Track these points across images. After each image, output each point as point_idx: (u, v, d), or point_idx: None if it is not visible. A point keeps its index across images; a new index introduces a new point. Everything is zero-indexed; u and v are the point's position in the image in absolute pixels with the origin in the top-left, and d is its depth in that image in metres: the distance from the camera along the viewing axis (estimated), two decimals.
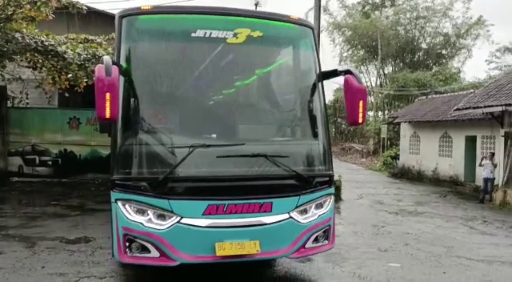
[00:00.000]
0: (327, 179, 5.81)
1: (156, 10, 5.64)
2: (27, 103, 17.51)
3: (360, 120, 5.51)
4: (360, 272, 6.58)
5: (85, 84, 14.92)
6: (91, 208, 12.29)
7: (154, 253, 5.15)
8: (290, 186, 5.54)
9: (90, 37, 15.22)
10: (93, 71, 13.74)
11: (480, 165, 16.09)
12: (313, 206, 5.65)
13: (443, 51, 47.41)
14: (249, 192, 5.33)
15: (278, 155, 5.44)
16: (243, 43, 5.65)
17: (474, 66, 77.10)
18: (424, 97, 27.89)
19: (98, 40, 15.15)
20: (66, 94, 15.79)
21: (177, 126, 5.63)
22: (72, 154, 17.14)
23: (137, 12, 5.58)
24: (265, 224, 5.34)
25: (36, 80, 15.62)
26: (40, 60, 14.22)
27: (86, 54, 13.72)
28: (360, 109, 5.46)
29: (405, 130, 24.39)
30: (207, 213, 5.18)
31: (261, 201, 5.33)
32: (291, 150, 5.70)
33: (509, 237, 9.98)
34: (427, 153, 22.31)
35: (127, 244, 5.16)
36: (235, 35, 5.60)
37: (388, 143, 31.96)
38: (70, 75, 14.86)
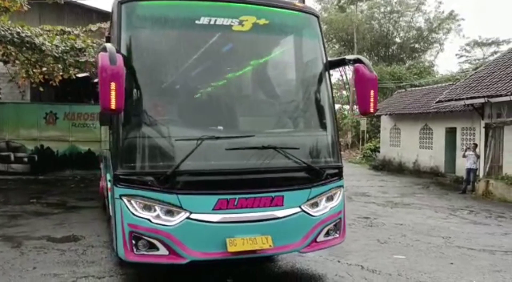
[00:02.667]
0: (337, 170, 5.65)
1: None
2: None
3: (372, 110, 5.36)
4: (367, 265, 6.46)
5: (60, 78, 14.44)
6: (73, 206, 11.92)
7: (163, 250, 4.88)
8: (301, 178, 5.35)
9: (67, 29, 14.63)
10: (70, 64, 13.46)
11: (464, 156, 16.29)
12: (324, 199, 5.47)
13: (416, 45, 48.19)
14: (260, 185, 5.12)
15: (288, 147, 5.24)
16: (249, 31, 5.40)
17: (446, 59, 78.78)
18: (403, 90, 28.20)
19: (76, 32, 14.57)
20: (41, 89, 15.20)
21: (183, 117, 5.34)
22: (49, 150, 16.60)
23: None
24: (277, 218, 5.14)
25: (9, 74, 14.99)
26: (13, 53, 13.61)
27: (64, 46, 13.17)
28: (372, 99, 5.31)
29: (386, 123, 24.56)
30: (217, 208, 4.94)
31: (273, 194, 5.13)
32: (301, 142, 5.49)
33: (501, 226, 10.08)
34: (408, 145, 22.52)
35: (134, 241, 4.87)
36: (240, 22, 5.36)
37: (367, 135, 32.23)
38: (44, 69, 14.35)
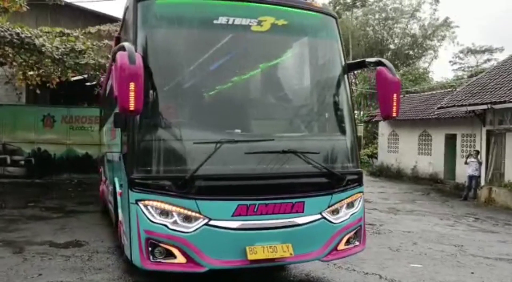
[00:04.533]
0: (357, 176, 5.50)
1: None
2: None
3: (394, 114, 5.21)
4: (385, 274, 6.27)
5: (58, 80, 14.20)
6: (72, 210, 11.69)
7: (180, 258, 4.69)
8: (322, 184, 5.20)
9: (66, 31, 14.41)
10: (69, 67, 13.24)
11: (466, 163, 16.22)
12: (345, 205, 5.32)
13: (411, 52, 48.30)
14: (280, 191, 4.96)
15: (308, 151, 5.09)
16: (268, 31, 5.27)
17: (440, 66, 79.25)
18: (401, 96, 28.15)
19: (75, 33, 14.36)
20: (38, 91, 14.97)
21: (200, 119, 5.14)
22: (46, 153, 16.36)
23: None
24: (298, 225, 4.98)
25: (6, 76, 14.72)
26: (11, 55, 13.36)
27: (64, 48, 12.96)
28: (394, 103, 5.16)
29: (384, 129, 24.50)
30: (236, 214, 4.76)
31: (293, 200, 4.96)
32: (321, 146, 5.34)
33: (511, 234, 9.95)
34: (406, 151, 22.45)
35: (150, 249, 4.68)
36: (259, 23, 5.22)
37: (364, 141, 32.17)
38: (42, 71, 14.11)
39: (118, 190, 6.26)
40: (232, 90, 5.43)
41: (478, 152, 16.21)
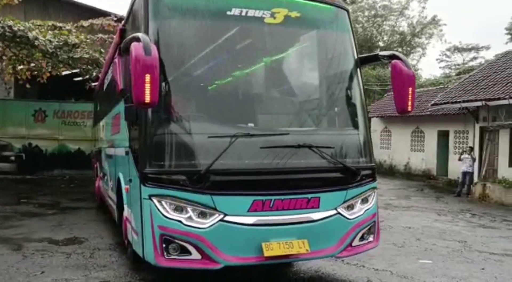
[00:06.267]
0: (371, 171, 5.42)
1: None
2: None
3: (410, 108, 5.15)
4: (396, 271, 6.21)
5: (48, 75, 13.94)
6: (67, 206, 11.53)
7: (195, 255, 4.57)
8: (337, 179, 5.11)
9: (58, 24, 14.13)
10: (62, 61, 12.97)
11: (460, 159, 16.30)
12: (359, 201, 5.23)
13: (400, 49, 48.49)
14: (296, 186, 4.86)
15: (324, 146, 4.99)
16: (281, 23, 5.16)
17: (428, 64, 79.87)
18: (391, 92, 28.26)
19: (68, 27, 14.09)
20: (28, 86, 14.67)
21: (214, 113, 5.01)
22: (37, 149, 16.07)
23: None
24: (313, 220, 4.89)
25: None
26: (0, 49, 13.06)
27: (58, 42, 12.71)
28: (410, 97, 5.10)
29: (376, 125, 24.53)
30: (252, 210, 4.65)
31: (309, 195, 4.86)
32: (336, 140, 5.25)
33: (511, 230, 10.00)
34: (399, 148, 22.54)
35: (164, 245, 4.55)
36: (272, 15, 5.11)
37: None
38: (33, 65, 13.84)
39: (123, 185, 6.11)
40: (246, 83, 5.33)
41: (472, 148, 16.31)
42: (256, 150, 4.74)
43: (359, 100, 5.56)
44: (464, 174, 16.00)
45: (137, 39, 4.31)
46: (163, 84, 4.66)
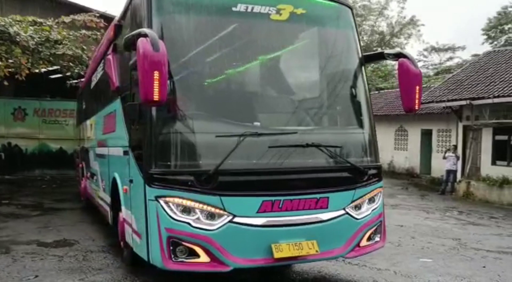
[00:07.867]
0: (377, 170, 5.37)
1: None
2: None
3: (417, 107, 5.09)
4: (399, 270, 6.17)
5: (27, 72, 13.51)
6: (51, 207, 11.24)
7: (204, 257, 4.42)
8: (345, 178, 5.03)
9: (39, 20, 13.70)
10: (44, 57, 12.58)
11: (444, 158, 16.48)
12: (367, 201, 5.16)
13: (379, 49, 48.98)
14: (305, 186, 4.76)
15: (332, 145, 4.92)
16: (287, 20, 5.07)
17: None
18: (376, 92, 28.41)
19: (49, 23, 13.68)
20: (6, 83, 14.19)
21: (221, 111, 4.85)
22: (17, 148, 15.59)
23: None
24: (322, 221, 4.79)
25: None
26: None
27: (39, 38, 12.32)
28: (417, 95, 5.04)
29: None
30: (261, 211, 4.53)
31: (318, 195, 4.77)
32: (343, 140, 5.17)
33: (500, 227, 10.12)
34: (383, 146, 22.41)
35: (172, 248, 4.38)
36: (278, 11, 5.01)
37: None
38: (11, 61, 13.39)
39: (121, 186, 5.91)
40: (252, 80, 5.20)
41: (455, 147, 16.51)
42: (265, 149, 4.62)
43: (364, 98, 5.49)
44: (448, 172, 16.18)
45: (144, 35, 4.14)
46: (169, 81, 4.50)
